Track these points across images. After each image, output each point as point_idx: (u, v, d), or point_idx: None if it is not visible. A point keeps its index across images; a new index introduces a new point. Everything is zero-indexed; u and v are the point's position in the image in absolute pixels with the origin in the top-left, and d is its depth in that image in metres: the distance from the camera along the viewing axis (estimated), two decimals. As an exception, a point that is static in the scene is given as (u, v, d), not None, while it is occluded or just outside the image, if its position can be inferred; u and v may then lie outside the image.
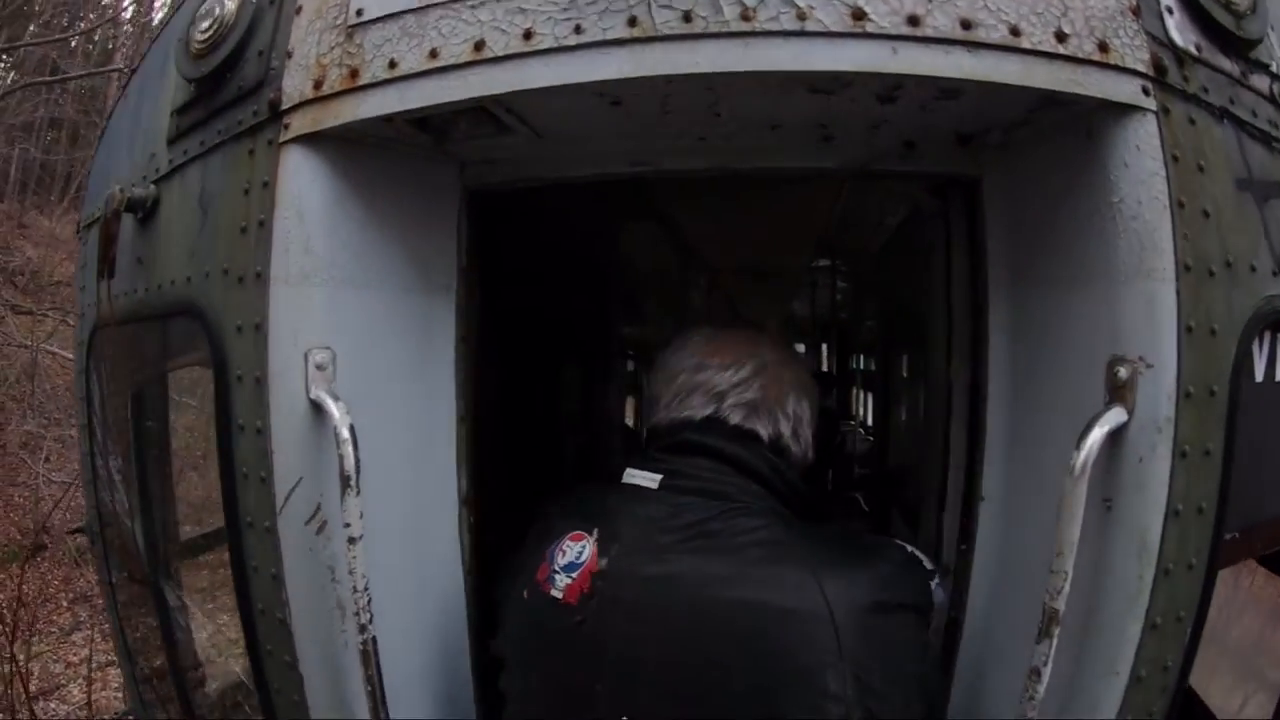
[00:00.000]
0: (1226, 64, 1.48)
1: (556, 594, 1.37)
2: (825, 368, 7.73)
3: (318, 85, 1.49)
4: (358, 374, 1.56)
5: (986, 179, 1.58)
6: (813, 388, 1.55)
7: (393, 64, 1.41)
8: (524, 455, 2.43)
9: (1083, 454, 1.23)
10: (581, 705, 1.33)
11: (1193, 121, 1.41)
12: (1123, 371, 1.29)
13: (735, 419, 1.45)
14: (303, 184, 1.54)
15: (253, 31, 1.59)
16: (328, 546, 1.52)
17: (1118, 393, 1.30)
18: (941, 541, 1.70)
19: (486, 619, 1.76)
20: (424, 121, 1.52)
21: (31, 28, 16.69)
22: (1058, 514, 1.27)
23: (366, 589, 1.46)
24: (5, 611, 7.35)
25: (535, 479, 2.43)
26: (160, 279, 1.82)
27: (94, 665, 8.22)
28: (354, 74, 1.45)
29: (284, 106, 1.53)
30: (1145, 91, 1.34)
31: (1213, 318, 1.37)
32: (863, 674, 1.24)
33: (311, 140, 1.53)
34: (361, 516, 1.43)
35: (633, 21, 1.25)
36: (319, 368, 1.53)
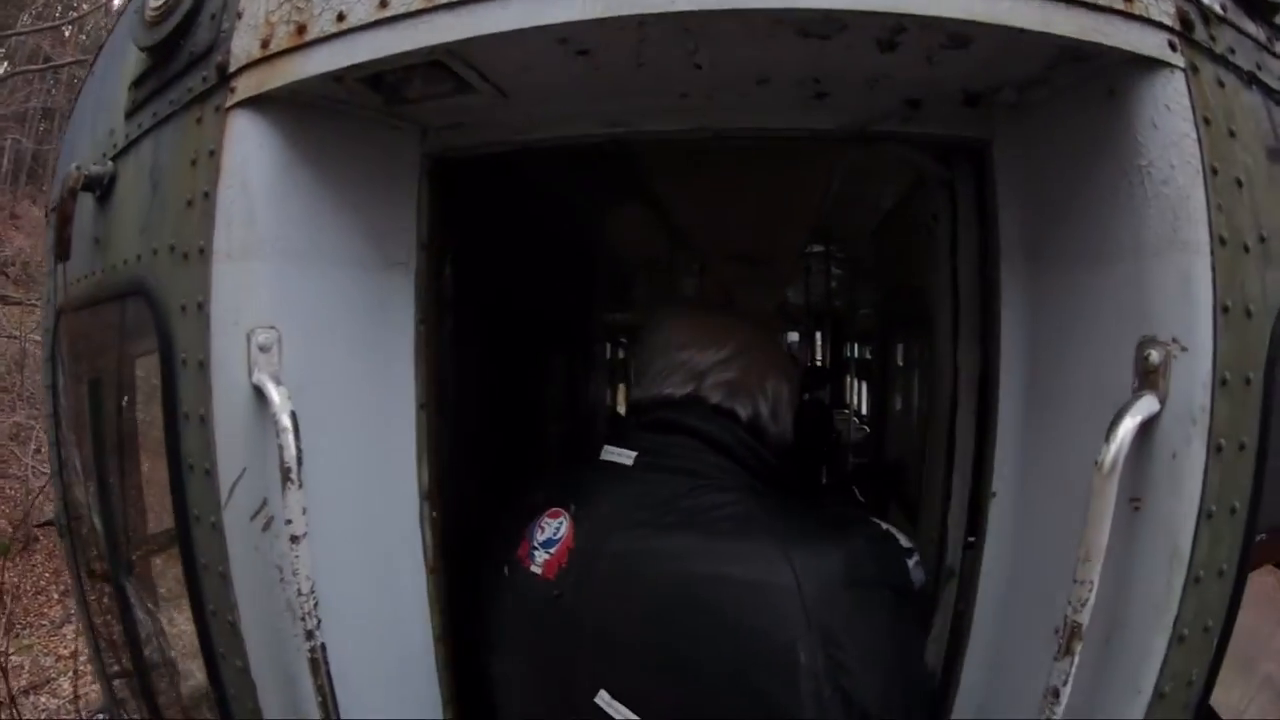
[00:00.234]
0: (1251, 27, 1.37)
1: (536, 569, 1.39)
2: (820, 356, 7.61)
3: (265, 44, 1.38)
4: (306, 357, 1.43)
5: (997, 143, 1.43)
6: (792, 370, 1.54)
7: (341, 16, 1.30)
8: (501, 444, 2.30)
9: (1113, 448, 1.09)
10: (563, 677, 1.35)
11: (1221, 84, 1.29)
12: (1154, 355, 1.15)
13: (715, 398, 1.45)
14: (248, 151, 1.43)
15: (206, -7, 1.47)
16: (275, 545, 1.40)
17: (1148, 379, 1.16)
18: (946, 539, 1.56)
19: (453, 620, 1.67)
20: (377, 80, 1.39)
21: (25, 18, 16.53)
22: (1085, 515, 1.14)
23: (313, 591, 1.34)
24: (-8, 605, 7.27)
25: (515, 468, 2.34)
26: (114, 259, 1.72)
27: (82, 659, 8.11)
28: (301, 30, 1.34)
29: (231, 69, 1.42)
30: (1172, 47, 1.22)
31: (1248, 297, 1.24)
32: (833, 649, 1.23)
33: (259, 104, 1.41)
34: (305, 512, 1.30)
35: (595, -44, 1.12)
36: (262, 349, 1.40)
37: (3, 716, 6.82)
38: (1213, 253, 1.20)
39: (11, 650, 7.66)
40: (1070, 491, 1.25)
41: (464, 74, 1.32)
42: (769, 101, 1.40)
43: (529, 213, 2.53)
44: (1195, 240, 1.19)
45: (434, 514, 1.56)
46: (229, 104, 1.42)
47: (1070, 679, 1.13)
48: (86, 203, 1.79)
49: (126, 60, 1.75)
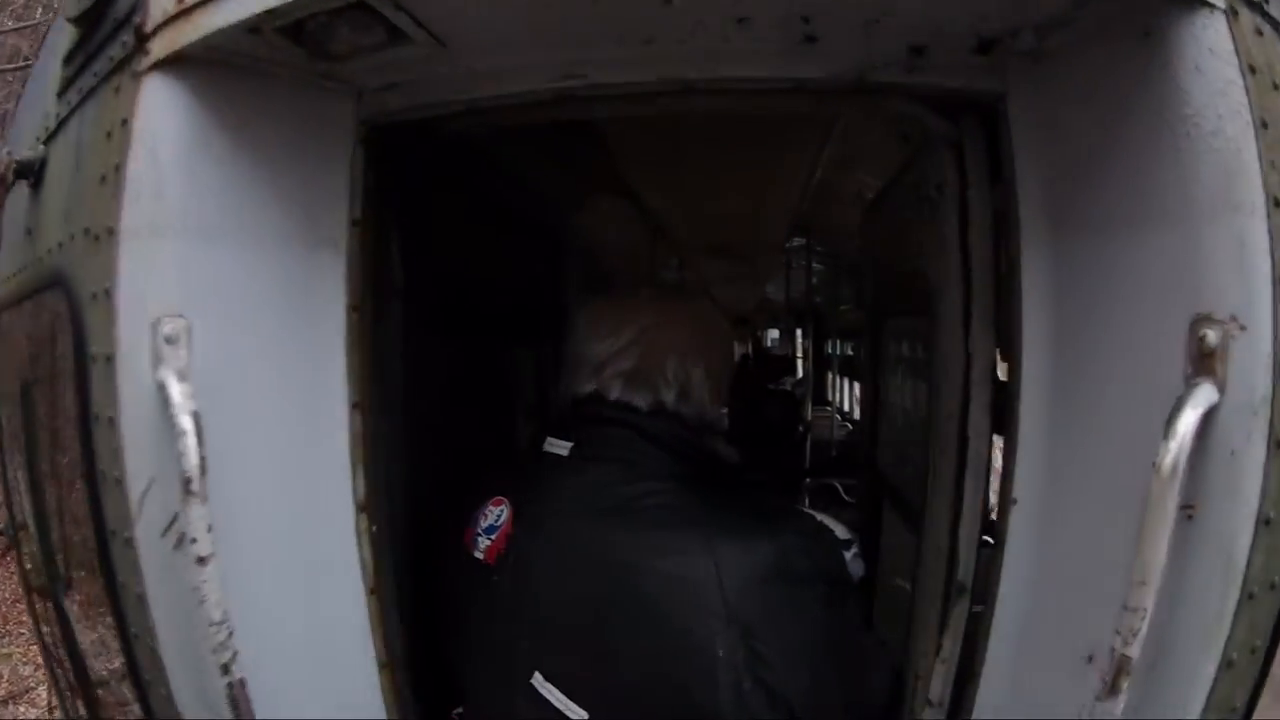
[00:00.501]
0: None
1: (478, 555, 1.43)
2: (798, 350, 7.50)
3: (180, -1, 1.21)
4: (219, 349, 1.24)
5: (1012, 97, 1.25)
6: (711, 346, 1.52)
7: (255, -43, 1.12)
8: (462, 445, 2.12)
9: (1174, 446, 0.91)
10: (504, 659, 1.37)
11: (1260, 32, 1.13)
12: (1211, 336, 0.97)
13: (614, 392, 1.45)
14: (158, 118, 1.26)
15: (131, -45, 1.31)
16: (188, 565, 1.22)
17: (1204, 364, 0.97)
18: (957, 551, 1.38)
19: (409, 642, 1.52)
20: (298, 30, 1.22)
21: (4, 18, 16.28)
22: (1125, 526, 0.99)
23: (225, 621, 1.17)
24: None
25: (479, 471, 2.18)
26: (41, 249, 1.58)
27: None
28: (215, -23, 1.16)
29: (148, 29, 1.27)
30: (1209, -15, 1.04)
31: None
32: (754, 642, 1.23)
33: (174, 67, 1.25)
34: (211, 530, 1.12)
35: None
36: (168, 341, 1.21)
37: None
38: (1269, 216, 1.02)
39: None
40: (1109, 498, 1.08)
41: (394, 18, 1.14)
42: (749, 46, 1.21)
43: (495, 198, 2.36)
44: (1250, 201, 1.01)
45: (373, 528, 1.37)
46: (143, 68, 1.26)
47: (1118, 721, 0.95)
48: (22, 191, 1.65)
49: (61, 37, 1.61)
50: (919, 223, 1.58)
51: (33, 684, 8.62)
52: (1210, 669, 1.06)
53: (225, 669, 1.17)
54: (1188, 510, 0.98)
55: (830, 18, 1.15)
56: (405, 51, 1.23)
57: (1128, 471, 1.04)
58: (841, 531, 1.46)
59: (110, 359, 1.26)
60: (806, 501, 4.04)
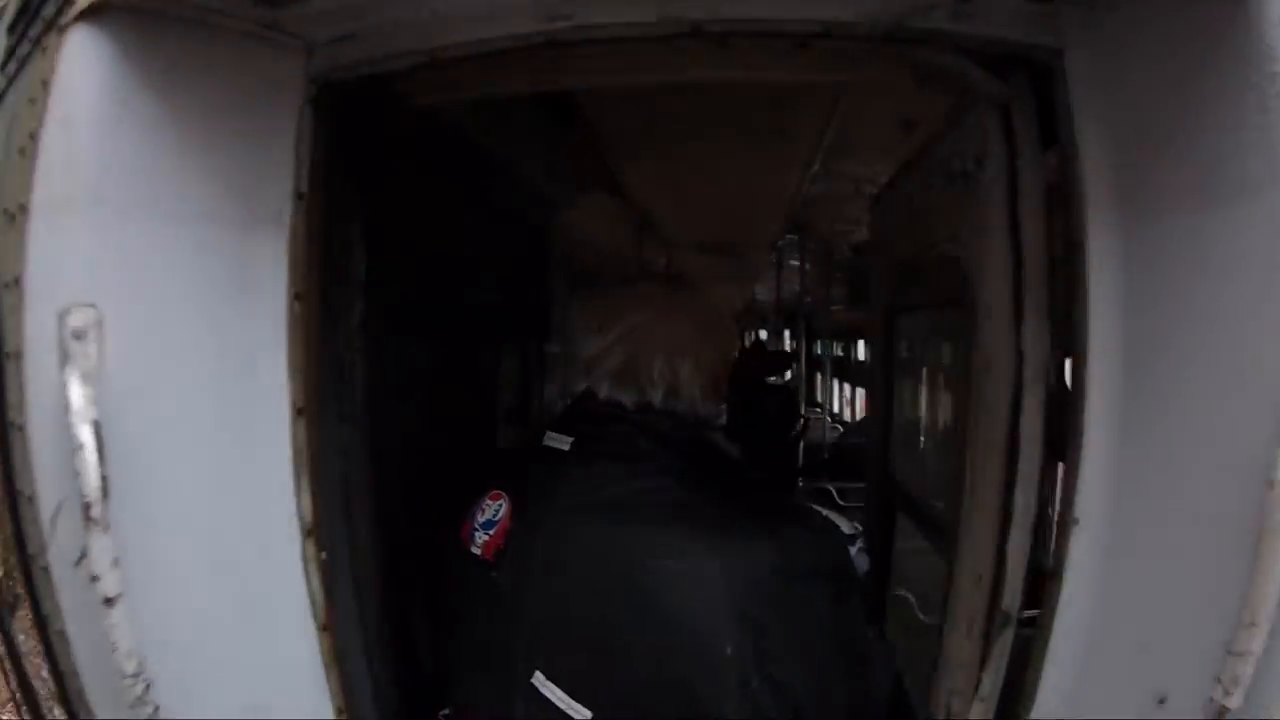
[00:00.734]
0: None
1: (476, 550, 1.40)
2: (791, 347, 7.36)
3: (108, -62, 1.02)
4: (137, 345, 1.04)
5: (1072, 52, 1.08)
6: (702, 342, 1.48)
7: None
8: (439, 453, 1.94)
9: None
10: (502, 658, 1.35)
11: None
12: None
13: (603, 390, 1.43)
14: (77, 77, 1.07)
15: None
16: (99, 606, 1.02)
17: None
18: (1003, 578, 1.20)
19: (368, 683, 1.36)
20: (240, -30, 1.03)
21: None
22: (1220, 553, 0.82)
23: (140, 673, 0.98)
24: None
25: (457, 480, 2.02)
26: None
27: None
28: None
29: None
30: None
31: None
32: (762, 639, 1.23)
33: (98, 18, 1.07)
34: (118, 564, 0.93)
35: None
36: (76, 336, 1.01)
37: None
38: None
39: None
40: (1196, 521, 0.91)
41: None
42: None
43: (474, 184, 2.16)
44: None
45: (322, 555, 1.17)
46: (67, 19, 1.08)
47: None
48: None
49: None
50: (949, 203, 1.41)
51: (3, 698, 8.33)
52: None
53: (146, 728, 0.97)
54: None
55: (864, -50, 0.97)
56: (362, -9, 1.04)
57: (1224, 489, 0.87)
58: (846, 526, 1.51)
59: (20, 357, 1.07)
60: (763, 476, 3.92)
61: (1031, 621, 1.22)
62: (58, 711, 1.34)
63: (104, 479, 0.90)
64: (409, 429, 1.80)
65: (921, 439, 1.92)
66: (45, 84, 1.08)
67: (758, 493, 1.60)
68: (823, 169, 2.97)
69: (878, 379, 2.17)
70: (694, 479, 1.39)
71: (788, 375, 5.57)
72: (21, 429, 1.07)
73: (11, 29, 1.31)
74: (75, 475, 0.91)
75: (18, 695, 2.08)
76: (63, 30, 1.07)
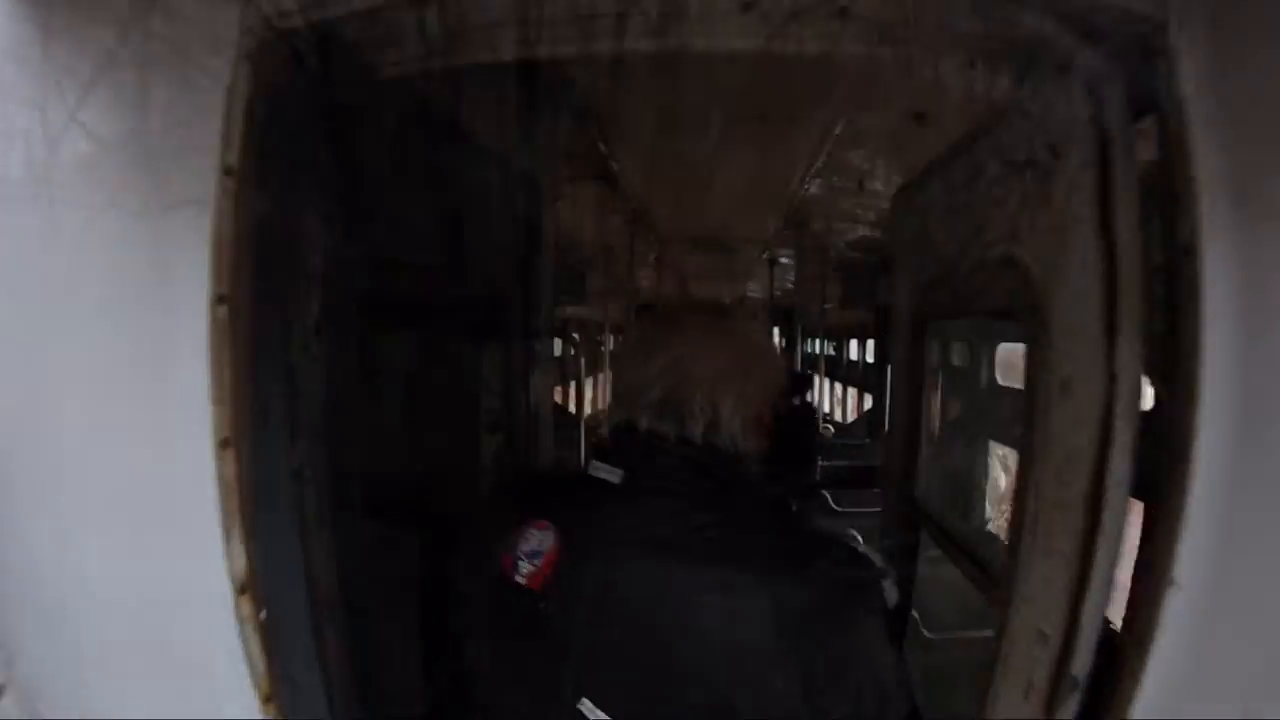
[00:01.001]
0: None
1: (520, 580, 1.37)
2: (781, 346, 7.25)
3: None
4: (22, 358, 0.84)
5: (1179, 25, 0.90)
6: (745, 376, 1.44)
7: None
8: (414, 467, 1.75)
9: None
10: (546, 688, 1.34)
11: None
12: None
13: (644, 423, 1.40)
14: None
15: None
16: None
17: None
18: (1076, 638, 1.01)
19: None
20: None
21: None
22: None
23: None
24: None
25: (436, 496, 1.82)
26: None
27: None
28: None
29: None
30: None
31: None
32: (808, 672, 1.23)
33: None
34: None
35: None
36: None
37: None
38: None
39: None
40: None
41: None
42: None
43: (454, 170, 1.96)
44: None
45: (260, 614, 0.96)
46: None
47: None
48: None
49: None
50: (1010, 197, 1.22)
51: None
52: None
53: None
54: None
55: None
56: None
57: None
58: (878, 559, 1.43)
59: None
60: (794, 507, 3.78)
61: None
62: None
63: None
64: (381, 441, 1.61)
65: (956, 460, 1.74)
66: (-62, 38, 0.89)
67: (796, 524, 1.59)
68: (829, 161, 2.82)
69: (902, 391, 2.00)
70: (738, 514, 1.37)
71: (809, 395, 5.45)
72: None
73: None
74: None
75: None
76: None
